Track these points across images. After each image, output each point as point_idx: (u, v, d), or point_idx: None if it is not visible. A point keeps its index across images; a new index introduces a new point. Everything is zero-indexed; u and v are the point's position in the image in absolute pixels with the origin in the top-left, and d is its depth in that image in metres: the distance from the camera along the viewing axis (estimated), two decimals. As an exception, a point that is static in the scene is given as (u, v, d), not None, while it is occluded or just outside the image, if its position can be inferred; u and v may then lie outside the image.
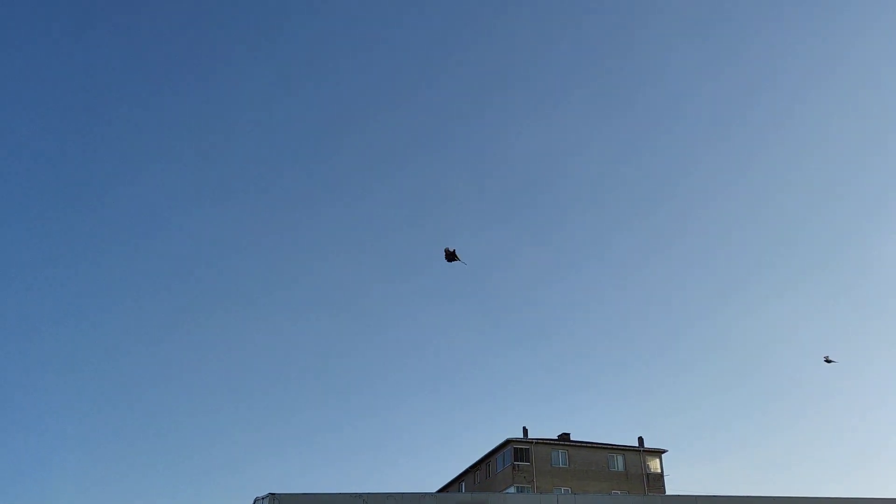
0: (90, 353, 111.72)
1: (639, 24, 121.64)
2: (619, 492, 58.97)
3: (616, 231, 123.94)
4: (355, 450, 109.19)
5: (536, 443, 61.95)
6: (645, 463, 63.77)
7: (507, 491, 57.07)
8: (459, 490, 68.57)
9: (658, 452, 64.56)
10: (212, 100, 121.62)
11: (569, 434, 64.78)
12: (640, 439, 64.88)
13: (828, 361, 46.98)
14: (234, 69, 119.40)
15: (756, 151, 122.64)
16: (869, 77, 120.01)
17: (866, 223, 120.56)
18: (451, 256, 31.97)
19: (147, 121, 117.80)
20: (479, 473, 66.79)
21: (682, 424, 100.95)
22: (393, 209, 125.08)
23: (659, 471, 64.00)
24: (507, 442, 61.80)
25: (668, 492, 60.96)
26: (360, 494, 21.79)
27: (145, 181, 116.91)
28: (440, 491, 65.34)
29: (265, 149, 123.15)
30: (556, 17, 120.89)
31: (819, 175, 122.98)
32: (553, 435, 64.38)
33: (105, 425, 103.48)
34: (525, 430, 62.78)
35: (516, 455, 61.03)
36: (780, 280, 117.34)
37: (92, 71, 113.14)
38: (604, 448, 63.72)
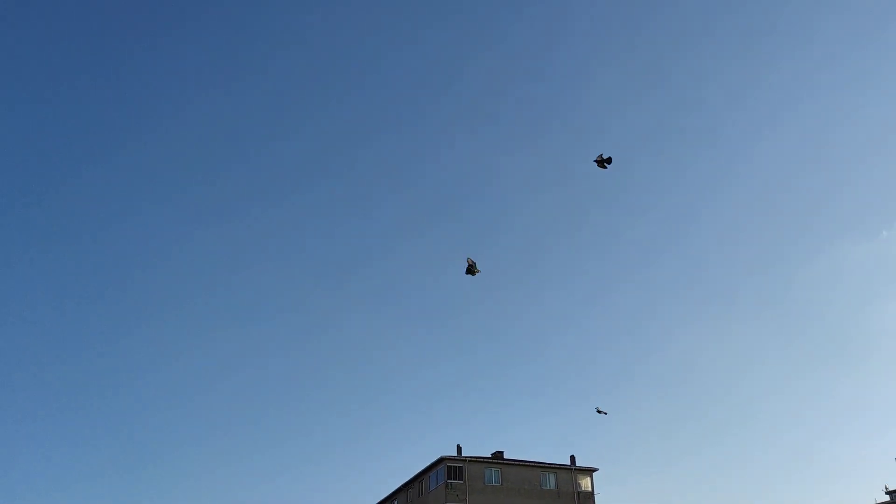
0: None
1: (559, 46, 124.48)
2: (550, 510, 59.35)
3: (545, 249, 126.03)
4: (287, 467, 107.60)
5: (470, 461, 62.05)
6: (576, 481, 64.48)
7: (439, 509, 56.81)
8: (392, 508, 68.19)
9: (589, 471, 65.38)
10: (116, 106, 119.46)
11: (502, 452, 65.06)
12: (573, 458, 65.62)
13: (599, 412, 49.74)
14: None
15: (680, 174, 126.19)
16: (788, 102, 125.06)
17: (777, 251, 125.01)
18: (470, 269, 31.99)
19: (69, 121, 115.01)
20: (412, 491, 66.50)
21: (613, 443, 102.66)
22: (320, 216, 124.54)
23: (590, 489, 64.76)
24: (441, 460, 61.74)
25: (599, 510, 61.71)
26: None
27: (75, 185, 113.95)
28: (372, 509, 64.63)
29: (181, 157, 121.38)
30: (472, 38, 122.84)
31: (730, 209, 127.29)
32: (487, 453, 64.60)
33: None
34: (459, 449, 62.86)
35: (450, 473, 61.00)
36: (699, 301, 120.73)
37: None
38: (536, 466, 64.21)
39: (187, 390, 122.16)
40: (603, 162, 30.03)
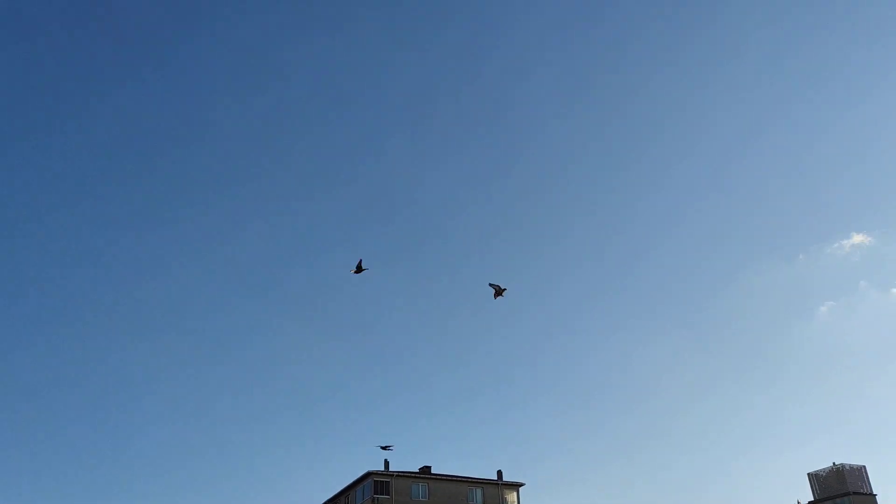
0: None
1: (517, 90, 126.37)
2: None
3: (469, 257, 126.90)
4: (209, 481, 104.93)
5: (397, 476, 61.77)
6: (503, 496, 64.84)
7: (365, 525, 56.31)
8: (317, 524, 67.12)
9: (516, 486, 65.82)
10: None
11: (430, 467, 65.00)
12: (500, 473, 66.00)
13: (384, 448, 50.87)
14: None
15: (607, 187, 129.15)
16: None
17: (699, 269, 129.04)
18: (498, 292, 32.32)
19: None
20: (337, 506, 65.80)
21: (540, 458, 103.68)
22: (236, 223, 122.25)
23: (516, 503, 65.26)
24: (368, 474, 61.30)
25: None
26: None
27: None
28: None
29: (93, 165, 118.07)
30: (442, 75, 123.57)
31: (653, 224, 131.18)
32: (415, 467, 64.42)
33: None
34: (386, 463, 62.53)
35: (377, 488, 60.60)
36: (621, 314, 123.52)
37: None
38: (463, 481, 64.34)
39: (103, 401, 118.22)
40: (499, 291, 31.63)
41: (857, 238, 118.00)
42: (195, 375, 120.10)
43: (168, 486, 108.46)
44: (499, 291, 33.21)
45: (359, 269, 34.31)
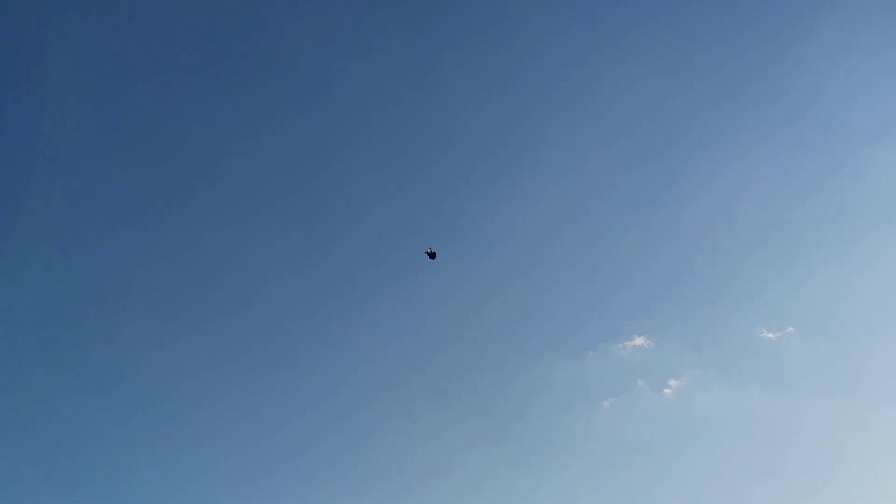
0: None
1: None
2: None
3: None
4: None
5: None
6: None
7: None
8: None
9: None
10: None
11: None
12: None
13: None
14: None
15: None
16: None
17: (498, 358, 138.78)
18: (432, 255, 36.12)
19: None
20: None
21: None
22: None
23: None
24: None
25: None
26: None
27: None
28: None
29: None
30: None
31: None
32: None
33: None
34: None
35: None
36: (423, 401, 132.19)
37: None
38: None
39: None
40: (432, 254, 36.53)
41: (639, 340, 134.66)
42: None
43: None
44: (432, 255, 37.11)
45: (433, 256, 37.48)
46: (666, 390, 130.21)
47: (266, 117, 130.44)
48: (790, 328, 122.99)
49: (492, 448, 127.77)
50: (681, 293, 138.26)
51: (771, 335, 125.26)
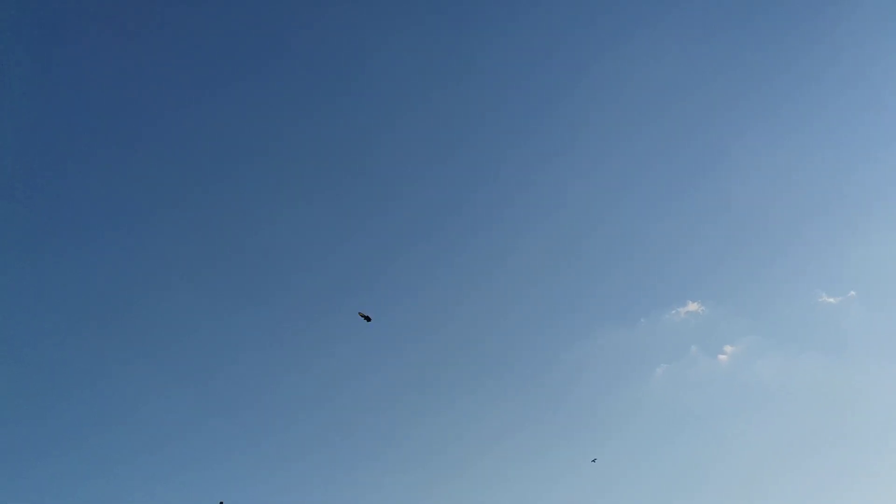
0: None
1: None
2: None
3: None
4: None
5: None
6: None
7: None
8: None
9: None
10: None
11: None
12: None
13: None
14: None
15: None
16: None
17: (549, 330, 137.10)
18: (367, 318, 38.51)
19: None
20: None
21: None
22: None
23: None
24: None
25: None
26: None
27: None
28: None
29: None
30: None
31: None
32: None
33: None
34: None
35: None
36: (476, 370, 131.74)
37: None
38: None
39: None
40: (365, 317, 38.39)
41: (692, 306, 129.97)
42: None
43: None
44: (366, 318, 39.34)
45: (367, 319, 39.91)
46: (721, 356, 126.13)
47: (283, 120, 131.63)
48: (852, 293, 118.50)
49: (542, 419, 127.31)
50: (736, 257, 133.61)
51: (832, 300, 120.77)
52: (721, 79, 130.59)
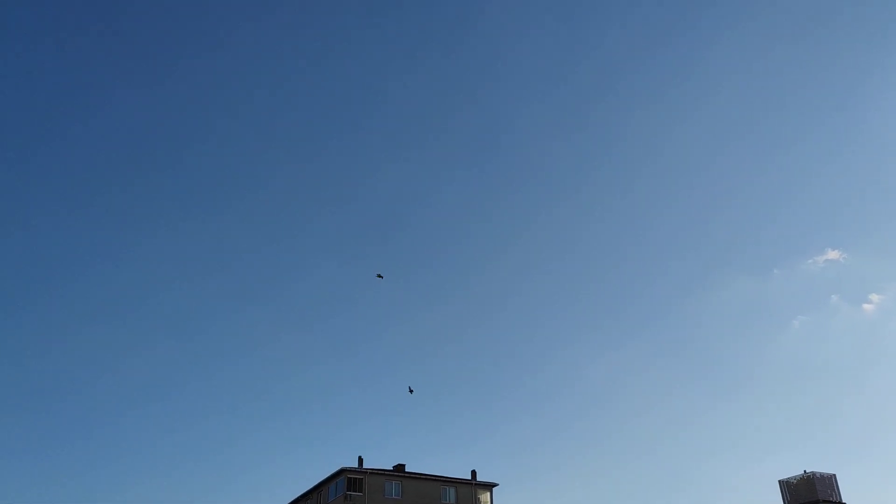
0: None
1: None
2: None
3: (434, 256, 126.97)
4: (176, 464, 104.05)
5: (371, 473, 61.52)
6: (476, 496, 64.79)
7: (337, 522, 56.00)
8: (289, 519, 66.78)
9: (489, 486, 65.80)
10: None
11: (404, 465, 64.81)
12: (473, 472, 65.93)
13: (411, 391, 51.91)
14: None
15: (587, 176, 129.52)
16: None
17: (671, 278, 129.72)
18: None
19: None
20: (310, 502, 65.40)
21: (513, 458, 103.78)
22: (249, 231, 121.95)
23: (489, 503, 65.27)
24: (342, 471, 60.99)
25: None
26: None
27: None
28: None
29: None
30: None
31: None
32: (389, 465, 64.20)
33: None
34: (360, 460, 62.27)
35: (349, 485, 60.31)
36: (588, 313, 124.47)
37: None
38: (437, 480, 64.20)
39: (69, 386, 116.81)
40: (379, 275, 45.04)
41: (832, 254, 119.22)
42: (163, 356, 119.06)
43: (136, 468, 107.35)
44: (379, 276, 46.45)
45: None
46: (866, 306, 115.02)
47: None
48: None
49: (666, 369, 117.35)
50: (880, 199, 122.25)
51: None
52: (859, 13, 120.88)
